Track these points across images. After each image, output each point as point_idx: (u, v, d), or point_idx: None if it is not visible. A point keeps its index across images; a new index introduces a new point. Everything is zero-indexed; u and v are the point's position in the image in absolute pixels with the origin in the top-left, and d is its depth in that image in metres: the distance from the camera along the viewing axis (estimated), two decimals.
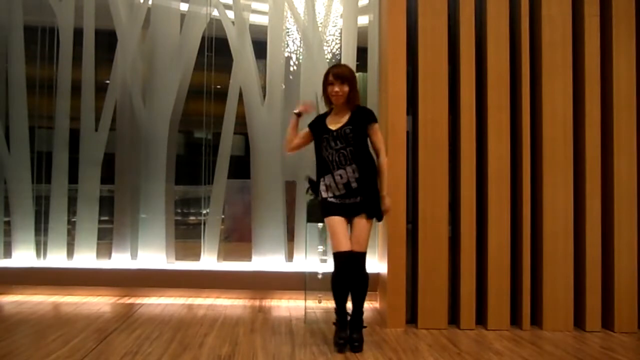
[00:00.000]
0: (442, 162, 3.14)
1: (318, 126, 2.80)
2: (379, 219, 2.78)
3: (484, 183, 3.17)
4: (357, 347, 2.67)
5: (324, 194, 2.75)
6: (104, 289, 3.84)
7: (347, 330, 2.72)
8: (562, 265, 3.10)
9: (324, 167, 2.75)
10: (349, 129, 2.70)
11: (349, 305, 2.75)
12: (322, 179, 2.76)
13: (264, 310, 3.54)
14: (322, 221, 2.86)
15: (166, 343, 2.73)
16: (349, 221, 2.73)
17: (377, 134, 2.76)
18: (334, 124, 2.75)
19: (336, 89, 2.71)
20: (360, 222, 2.69)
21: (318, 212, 2.86)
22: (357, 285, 2.69)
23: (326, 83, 2.75)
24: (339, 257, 2.66)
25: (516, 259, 3.14)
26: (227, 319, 3.27)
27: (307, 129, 2.86)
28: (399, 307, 3.11)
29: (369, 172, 2.72)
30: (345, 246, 2.65)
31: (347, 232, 2.71)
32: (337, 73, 2.72)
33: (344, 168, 2.69)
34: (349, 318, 2.75)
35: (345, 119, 2.74)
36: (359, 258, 2.67)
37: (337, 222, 2.69)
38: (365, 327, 2.79)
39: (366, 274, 2.70)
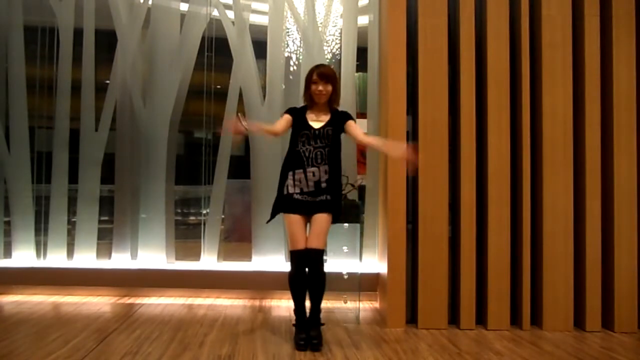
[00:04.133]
0: (442, 162, 3.14)
1: (298, 119, 2.81)
2: (336, 221, 2.80)
3: (484, 183, 3.17)
4: (316, 345, 2.63)
5: (290, 189, 2.75)
6: (104, 289, 3.84)
7: (306, 329, 2.72)
8: (562, 265, 3.10)
9: (296, 160, 2.76)
10: (331, 130, 2.76)
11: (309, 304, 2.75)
12: (290, 172, 2.76)
13: (264, 310, 3.54)
14: (273, 216, 2.82)
15: (166, 343, 2.74)
16: (308, 219, 2.77)
17: (358, 126, 2.84)
18: (315, 122, 2.79)
19: (320, 87, 2.77)
20: (321, 218, 2.71)
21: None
22: (315, 283, 2.69)
23: (310, 82, 2.81)
24: (296, 255, 2.69)
25: (516, 259, 3.14)
26: (227, 319, 3.27)
27: (288, 116, 2.83)
28: (399, 307, 3.11)
29: (338, 174, 2.79)
30: (302, 244, 2.69)
31: (305, 230, 2.74)
32: (321, 72, 2.78)
33: (317, 166, 2.73)
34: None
35: (326, 118, 2.80)
36: (317, 254, 2.67)
37: (296, 220, 2.72)
38: (323, 324, 2.78)
39: (323, 272, 2.69)
